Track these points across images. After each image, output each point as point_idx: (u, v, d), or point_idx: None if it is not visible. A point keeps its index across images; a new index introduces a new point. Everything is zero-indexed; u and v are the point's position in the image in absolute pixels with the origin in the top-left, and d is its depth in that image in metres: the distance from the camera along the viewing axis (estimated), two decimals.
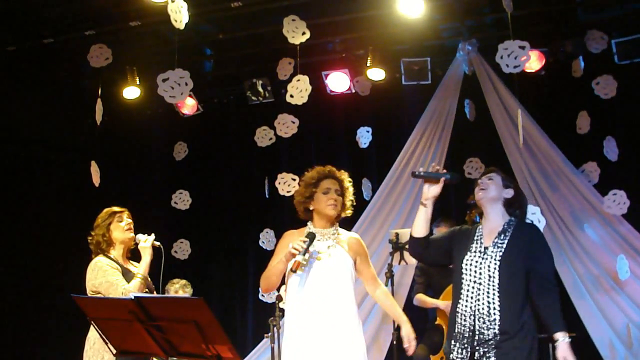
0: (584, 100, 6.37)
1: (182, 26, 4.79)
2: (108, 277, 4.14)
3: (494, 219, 3.67)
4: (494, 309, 3.43)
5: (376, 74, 6.80)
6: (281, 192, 6.48)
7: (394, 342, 5.16)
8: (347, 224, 4.23)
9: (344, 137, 7.44)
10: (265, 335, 4.28)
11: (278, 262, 3.90)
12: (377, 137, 7.04)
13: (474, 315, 3.48)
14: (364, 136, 6.96)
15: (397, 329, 5.31)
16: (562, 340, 3.42)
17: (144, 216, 4.94)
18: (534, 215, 4.94)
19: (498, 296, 3.44)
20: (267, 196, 6.89)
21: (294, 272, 3.82)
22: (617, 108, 6.42)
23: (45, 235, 7.12)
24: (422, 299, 5.55)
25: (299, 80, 5.86)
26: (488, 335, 3.42)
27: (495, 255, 3.51)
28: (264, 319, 4.56)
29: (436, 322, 5.47)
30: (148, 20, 6.23)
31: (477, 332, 3.45)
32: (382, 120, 7.29)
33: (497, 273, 3.47)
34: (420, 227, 3.72)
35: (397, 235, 5.40)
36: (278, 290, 6.25)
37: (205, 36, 6.99)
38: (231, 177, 7.87)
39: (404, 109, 7.30)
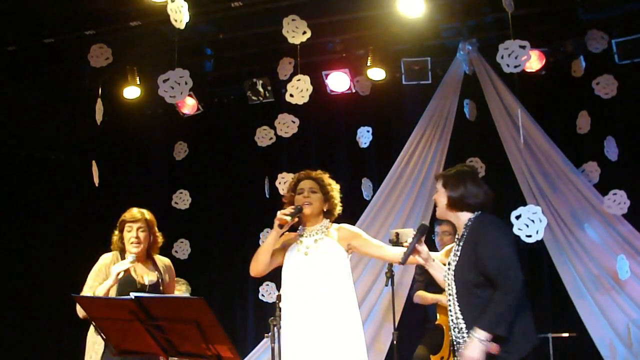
0: (584, 100, 6.37)
1: (182, 26, 4.78)
2: (88, 280, 4.21)
3: (459, 226, 3.50)
4: (458, 318, 3.34)
5: (376, 73, 6.80)
6: (281, 192, 6.47)
7: (394, 342, 5.16)
8: (347, 221, 4.24)
9: (345, 136, 7.44)
10: (266, 335, 4.28)
11: (269, 236, 4.05)
12: (378, 137, 7.03)
13: (454, 328, 3.40)
14: (364, 136, 6.96)
15: (397, 329, 5.33)
16: (474, 336, 3.16)
17: None
18: (535, 215, 4.92)
19: (458, 305, 3.34)
20: (267, 196, 6.89)
21: (280, 227, 4.00)
22: (618, 108, 6.42)
23: (45, 235, 7.12)
24: (422, 295, 5.55)
25: (299, 80, 5.86)
26: (461, 344, 3.31)
27: (452, 265, 3.42)
28: (264, 318, 4.57)
29: (436, 322, 5.47)
30: (148, 20, 6.23)
31: (455, 344, 3.40)
32: (382, 120, 7.28)
33: (453, 283, 3.38)
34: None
35: (397, 235, 5.38)
36: (278, 289, 6.26)
37: (205, 36, 6.98)
38: (231, 177, 7.87)
39: (404, 109, 7.29)
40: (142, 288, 4.29)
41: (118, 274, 4.15)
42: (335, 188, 4.22)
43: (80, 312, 4.09)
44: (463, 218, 3.44)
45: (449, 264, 3.48)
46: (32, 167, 7.40)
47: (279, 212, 4.03)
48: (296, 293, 3.98)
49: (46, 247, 7.07)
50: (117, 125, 7.48)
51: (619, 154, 6.09)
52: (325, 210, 4.15)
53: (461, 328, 3.32)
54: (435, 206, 3.59)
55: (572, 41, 6.47)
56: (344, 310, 3.92)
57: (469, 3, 6.42)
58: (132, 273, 4.32)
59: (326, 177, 4.24)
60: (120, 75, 6.99)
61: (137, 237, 4.36)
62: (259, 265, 4.10)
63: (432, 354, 5.39)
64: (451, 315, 3.41)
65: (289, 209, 4.04)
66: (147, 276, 4.40)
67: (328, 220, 4.18)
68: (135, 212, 4.43)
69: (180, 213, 7.37)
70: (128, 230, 4.37)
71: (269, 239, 4.07)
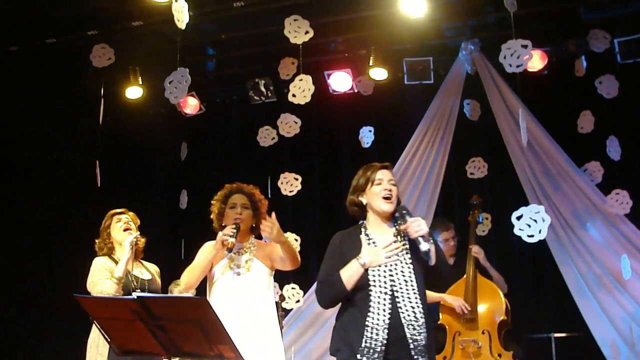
0: (586, 99, 6.36)
1: (183, 26, 4.79)
2: (94, 277, 4.22)
3: (387, 216, 3.68)
4: (420, 312, 3.36)
5: (378, 73, 6.79)
6: (283, 192, 6.48)
7: None
8: (350, 223, 4.21)
9: (347, 136, 7.43)
10: None
11: (208, 254, 4.04)
12: (380, 137, 7.03)
13: (401, 324, 3.31)
14: (366, 136, 6.96)
15: None
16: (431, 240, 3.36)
17: (146, 216, 4.95)
18: (538, 214, 4.90)
19: (420, 299, 3.39)
20: (269, 196, 6.88)
21: (230, 251, 3.98)
22: (620, 107, 6.41)
23: (47, 235, 7.12)
24: (427, 293, 5.53)
25: (301, 79, 5.86)
26: (421, 340, 3.33)
27: (404, 258, 3.43)
28: None
29: (439, 322, 5.47)
30: (150, 20, 6.24)
31: (409, 341, 3.30)
32: (384, 119, 7.28)
33: (413, 276, 3.40)
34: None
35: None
36: (281, 289, 6.26)
37: (207, 36, 6.99)
38: (233, 177, 7.80)
39: (406, 109, 7.28)
40: (142, 284, 4.31)
41: (130, 243, 4.21)
42: (265, 204, 4.27)
43: None
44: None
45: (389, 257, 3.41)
46: (34, 167, 7.41)
47: (221, 234, 4.01)
48: (227, 311, 3.96)
49: (47, 246, 7.07)
50: (120, 125, 7.49)
51: (621, 154, 6.08)
52: (253, 225, 4.19)
53: (421, 324, 3.34)
54: (392, 198, 3.66)
55: (575, 41, 6.46)
56: (267, 324, 4.01)
57: (471, 3, 6.41)
58: (130, 270, 4.35)
59: (258, 193, 4.32)
60: (123, 75, 7.00)
61: (128, 224, 4.43)
62: (192, 279, 4.08)
63: (435, 353, 5.38)
64: (402, 312, 3.32)
65: (230, 229, 4.01)
66: (141, 275, 4.44)
67: (253, 236, 4.23)
68: (117, 209, 4.53)
69: (181, 213, 7.37)
70: (117, 221, 4.42)
71: (208, 257, 4.06)
